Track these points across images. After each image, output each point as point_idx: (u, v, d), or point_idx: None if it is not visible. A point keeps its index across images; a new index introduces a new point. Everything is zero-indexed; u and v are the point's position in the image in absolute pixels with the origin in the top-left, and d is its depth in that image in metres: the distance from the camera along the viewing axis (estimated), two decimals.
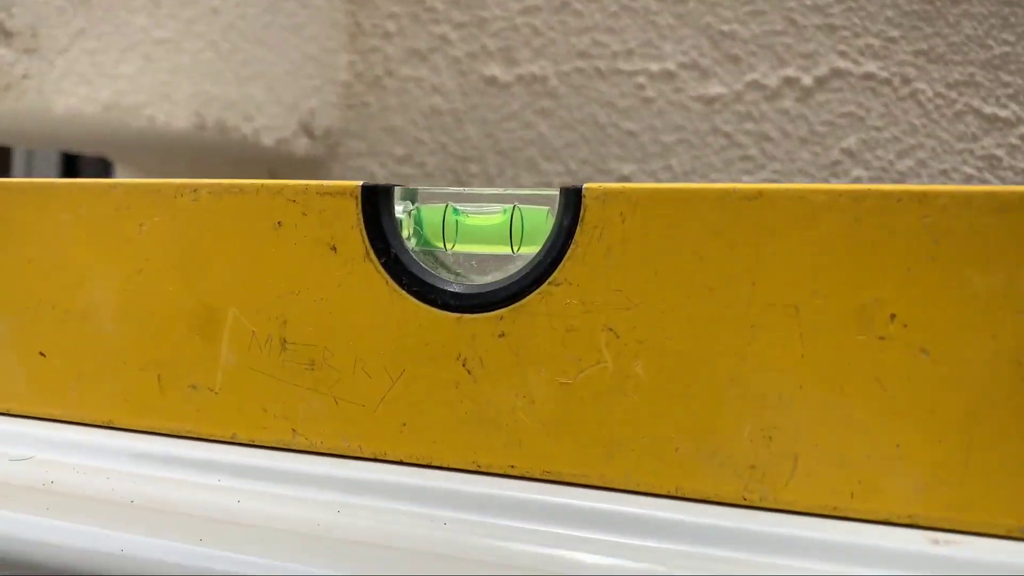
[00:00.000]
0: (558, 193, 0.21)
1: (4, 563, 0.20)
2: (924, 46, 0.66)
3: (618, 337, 0.20)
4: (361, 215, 0.22)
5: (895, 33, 0.67)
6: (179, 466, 0.23)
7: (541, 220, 0.22)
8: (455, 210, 0.23)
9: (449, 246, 0.23)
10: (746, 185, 0.19)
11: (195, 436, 0.24)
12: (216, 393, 0.24)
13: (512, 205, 0.23)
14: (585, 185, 0.21)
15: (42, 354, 0.26)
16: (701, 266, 0.20)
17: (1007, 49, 0.63)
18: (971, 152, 0.65)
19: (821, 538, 0.19)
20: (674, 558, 0.19)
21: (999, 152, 0.64)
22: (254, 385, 0.23)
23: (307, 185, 0.23)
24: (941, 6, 0.65)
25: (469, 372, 0.22)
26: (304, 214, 0.23)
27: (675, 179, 0.72)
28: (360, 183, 0.23)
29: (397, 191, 0.23)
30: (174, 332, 0.24)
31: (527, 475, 0.22)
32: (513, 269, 0.22)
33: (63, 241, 0.26)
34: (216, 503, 0.21)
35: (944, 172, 0.66)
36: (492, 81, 0.79)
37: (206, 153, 0.75)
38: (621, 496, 0.21)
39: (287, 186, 0.23)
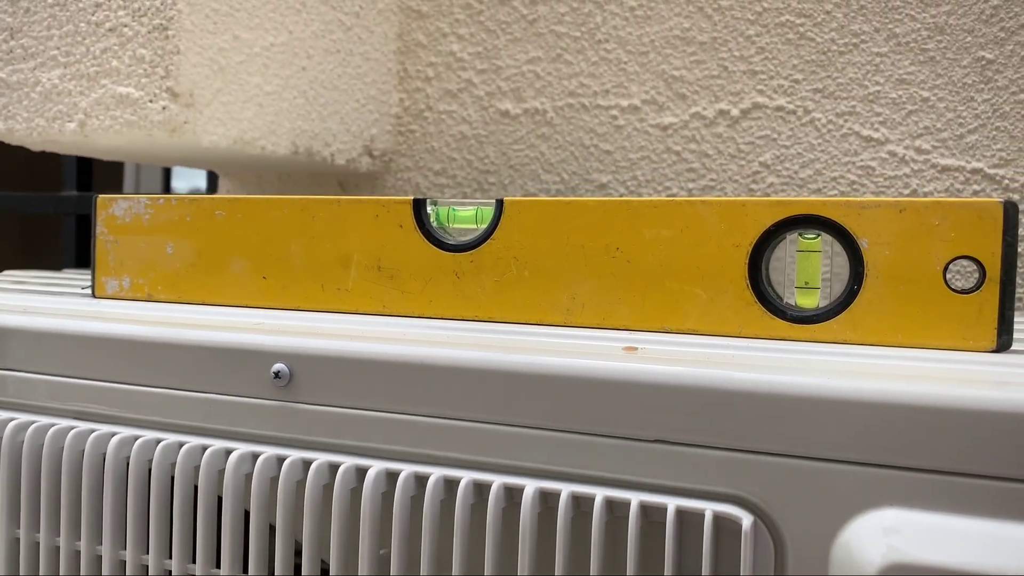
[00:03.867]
0: (495, 201, 0.50)
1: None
2: (820, 85, 0.79)
3: (518, 260, 0.49)
4: (413, 211, 0.51)
5: (799, 76, 0.80)
6: (336, 322, 0.52)
7: (489, 212, 0.50)
8: (453, 209, 0.51)
9: (449, 224, 0.51)
10: (586, 199, 0.47)
11: (340, 311, 0.53)
12: (348, 291, 0.52)
13: (477, 207, 0.51)
14: (506, 199, 0.49)
15: (264, 277, 0.55)
16: (555, 232, 0.48)
17: (879, 88, 0.77)
18: (853, 163, 0.77)
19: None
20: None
21: (873, 164, 0.78)
22: (365, 287, 0.52)
23: (388, 199, 0.51)
24: (832, 56, 0.78)
25: (458, 277, 0.50)
26: (388, 212, 0.51)
27: (640, 186, 0.84)
28: (412, 198, 0.51)
29: (428, 200, 0.51)
30: (329, 264, 0.53)
31: (481, 319, 0.50)
32: (477, 234, 0.50)
33: (274, 224, 0.54)
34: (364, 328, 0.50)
35: (834, 179, 0.78)
36: (505, 113, 0.92)
37: (294, 170, 0.94)
38: (520, 327, 0.49)
39: (380, 199, 0.52)
